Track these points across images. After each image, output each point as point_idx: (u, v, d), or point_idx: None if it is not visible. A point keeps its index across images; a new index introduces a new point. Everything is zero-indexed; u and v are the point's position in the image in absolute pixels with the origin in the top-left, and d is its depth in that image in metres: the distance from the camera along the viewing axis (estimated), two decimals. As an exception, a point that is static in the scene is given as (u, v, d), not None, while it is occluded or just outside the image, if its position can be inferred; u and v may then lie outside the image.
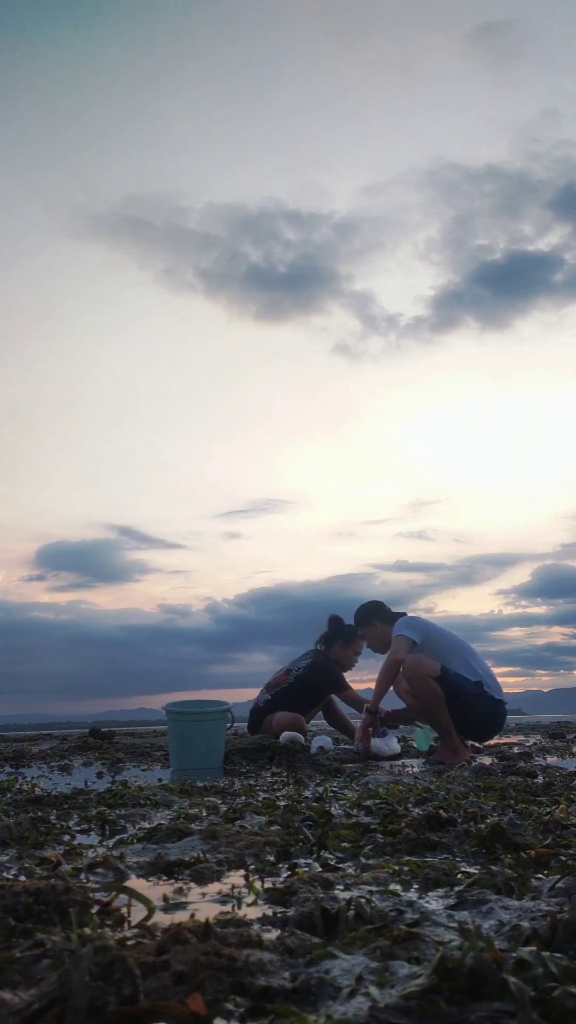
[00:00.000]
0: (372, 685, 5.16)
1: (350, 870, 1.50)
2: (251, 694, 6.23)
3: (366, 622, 5.29)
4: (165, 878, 1.51)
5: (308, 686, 5.83)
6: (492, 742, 6.67)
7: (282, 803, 2.48)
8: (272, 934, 1.06)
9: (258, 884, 1.40)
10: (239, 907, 1.27)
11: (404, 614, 5.17)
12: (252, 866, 1.57)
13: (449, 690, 4.65)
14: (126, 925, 1.13)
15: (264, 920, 1.15)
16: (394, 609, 5.31)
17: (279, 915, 1.16)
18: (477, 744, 5.96)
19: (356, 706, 5.81)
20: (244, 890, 1.37)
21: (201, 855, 1.62)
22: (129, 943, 0.96)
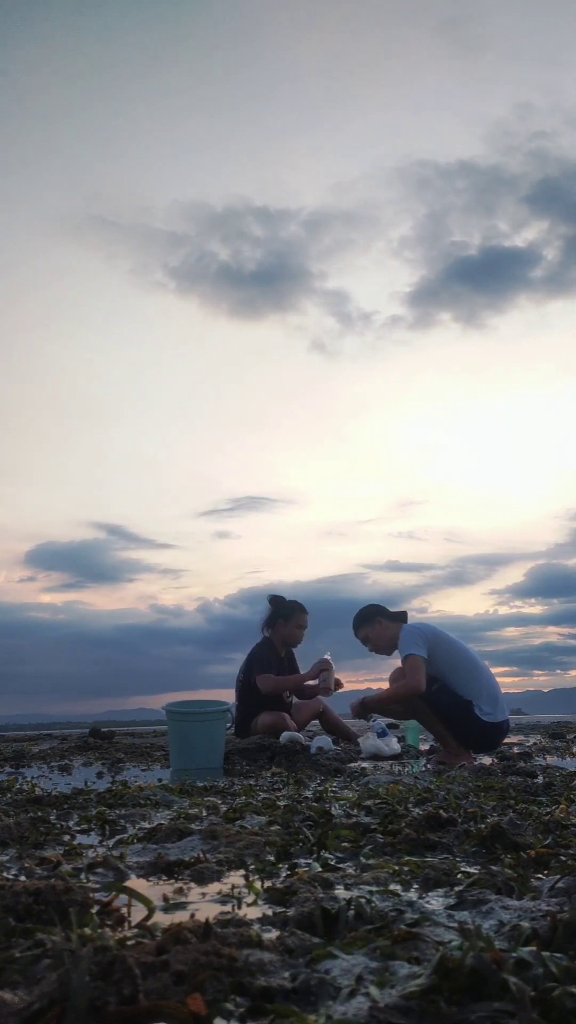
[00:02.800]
0: (374, 685, 5.10)
1: (350, 870, 1.49)
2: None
3: (369, 621, 4.98)
4: (165, 878, 1.51)
5: (249, 677, 5.79)
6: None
7: (282, 803, 2.48)
8: (272, 934, 1.06)
9: (258, 884, 1.40)
10: (239, 907, 1.27)
11: (404, 613, 5.02)
12: (252, 866, 1.57)
13: (435, 705, 4.60)
14: (126, 925, 1.13)
15: (264, 920, 1.15)
16: (392, 609, 5.07)
17: (279, 915, 1.16)
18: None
19: (271, 688, 5.63)
20: (244, 890, 1.37)
21: (201, 855, 1.62)
22: (129, 943, 0.96)
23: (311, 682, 5.76)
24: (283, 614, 5.94)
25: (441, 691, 4.61)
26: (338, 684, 5.80)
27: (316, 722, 6.50)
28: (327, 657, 5.66)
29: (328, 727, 6.25)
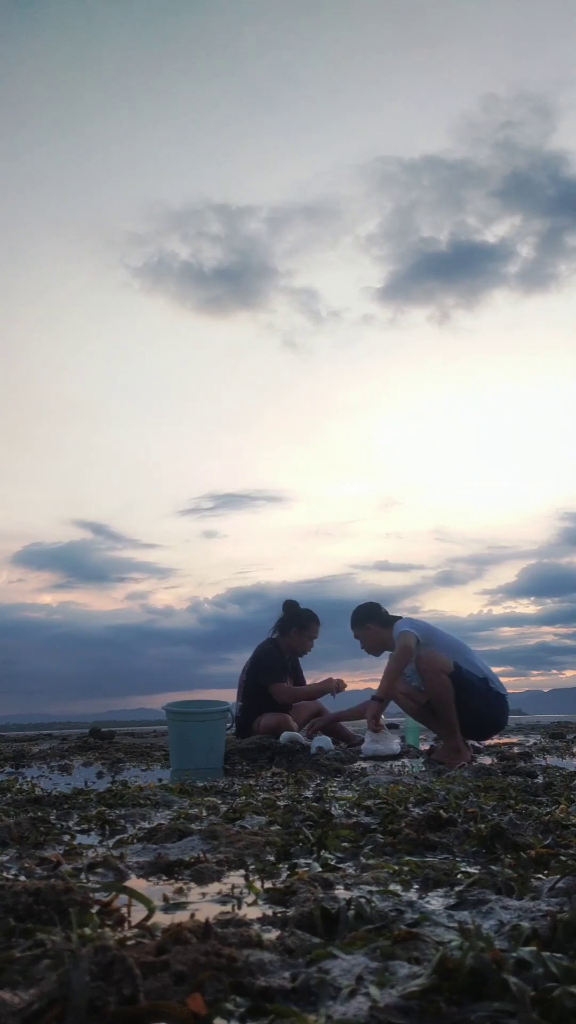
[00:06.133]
0: (372, 684, 5.16)
1: (350, 870, 1.49)
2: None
3: (360, 624, 5.25)
4: (165, 878, 1.51)
5: (254, 679, 5.81)
6: (492, 741, 6.67)
7: (282, 803, 2.48)
8: (272, 934, 1.06)
9: (258, 884, 1.40)
10: (239, 907, 1.27)
11: (400, 618, 5.16)
12: (252, 866, 1.57)
13: (460, 686, 4.72)
14: (126, 925, 1.13)
15: (264, 920, 1.15)
16: (391, 612, 5.28)
17: (279, 915, 1.16)
18: (477, 744, 5.96)
19: (288, 699, 5.70)
20: (244, 890, 1.37)
21: (201, 855, 1.62)
22: (129, 943, 0.96)
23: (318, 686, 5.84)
24: (299, 623, 5.93)
25: (465, 671, 4.77)
26: (340, 686, 5.84)
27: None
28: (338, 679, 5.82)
29: (325, 728, 6.24)
